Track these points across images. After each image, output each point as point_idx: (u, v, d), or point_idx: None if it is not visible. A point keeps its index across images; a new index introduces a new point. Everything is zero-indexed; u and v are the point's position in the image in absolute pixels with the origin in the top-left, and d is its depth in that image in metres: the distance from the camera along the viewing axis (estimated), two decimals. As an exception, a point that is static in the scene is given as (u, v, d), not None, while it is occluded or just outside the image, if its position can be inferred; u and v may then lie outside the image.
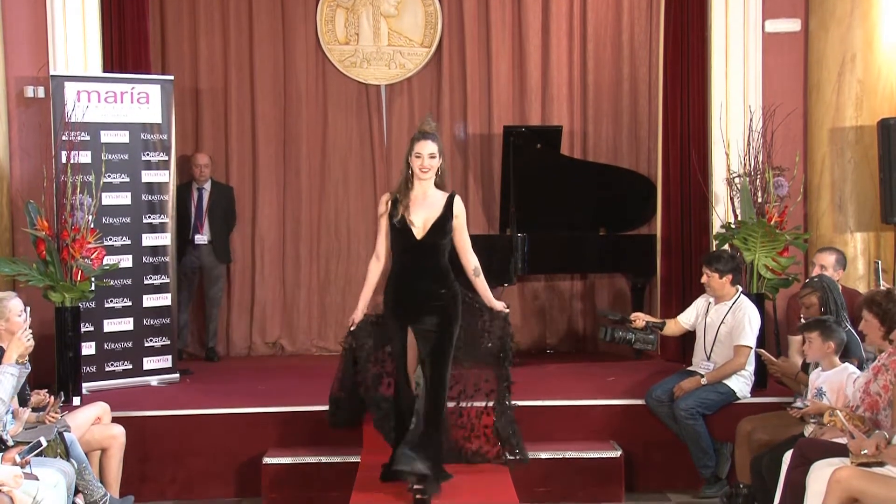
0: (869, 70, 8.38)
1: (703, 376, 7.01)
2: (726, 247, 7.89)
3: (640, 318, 7.38)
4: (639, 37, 10.06)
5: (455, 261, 6.21)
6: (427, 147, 6.03)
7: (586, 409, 7.31)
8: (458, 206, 6.13)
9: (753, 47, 8.70)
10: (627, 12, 10.07)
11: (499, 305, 6.33)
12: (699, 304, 7.40)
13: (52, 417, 5.99)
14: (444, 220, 6.05)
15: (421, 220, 6.03)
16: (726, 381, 7.01)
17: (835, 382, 5.86)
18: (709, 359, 7.10)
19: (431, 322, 6.01)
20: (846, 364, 5.93)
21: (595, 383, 7.94)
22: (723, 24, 8.71)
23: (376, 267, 6.28)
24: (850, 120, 8.43)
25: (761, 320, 7.24)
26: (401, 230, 6.04)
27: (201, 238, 9.38)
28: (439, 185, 6.14)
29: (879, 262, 7.44)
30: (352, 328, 6.37)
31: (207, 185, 9.45)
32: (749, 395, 7.12)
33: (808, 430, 5.88)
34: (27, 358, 5.65)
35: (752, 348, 7.03)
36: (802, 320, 6.75)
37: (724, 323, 7.11)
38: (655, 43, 9.59)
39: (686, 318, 7.42)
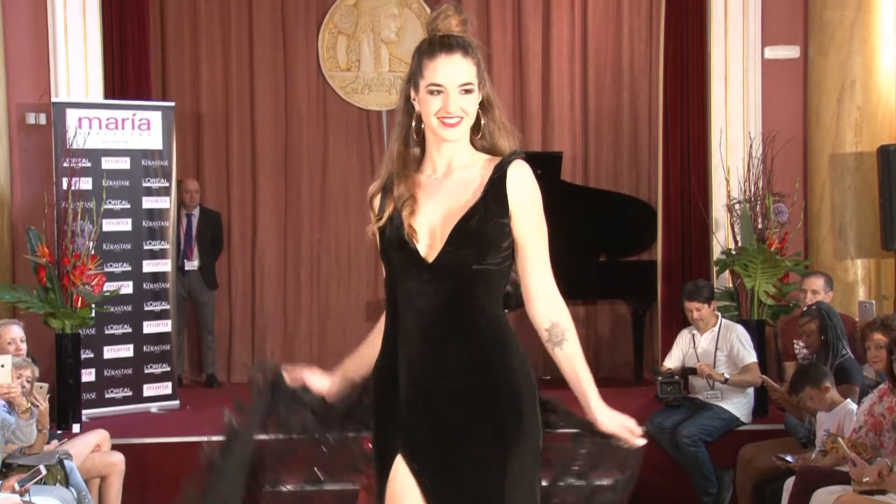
0: (868, 96, 8.39)
1: (727, 379, 6.96)
2: (726, 273, 7.91)
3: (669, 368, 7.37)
4: (639, 62, 10.10)
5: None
6: (454, 68, 2.93)
7: (587, 435, 7.28)
8: (519, 178, 2.97)
9: (753, 73, 8.72)
10: (627, 37, 10.12)
11: (616, 423, 2.97)
12: (682, 341, 7.35)
13: (35, 399, 5.83)
14: (484, 216, 2.93)
15: (436, 219, 2.96)
16: (727, 407, 6.99)
17: (835, 424, 5.85)
18: (713, 387, 7.07)
19: (468, 449, 2.89)
20: (847, 401, 5.90)
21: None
22: (722, 50, 8.73)
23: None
24: (850, 146, 8.44)
25: (762, 347, 7.24)
26: (396, 245, 2.98)
27: (191, 264, 9.28)
28: (487, 146, 3.06)
29: (873, 303, 7.41)
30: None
31: (196, 211, 9.38)
32: (750, 419, 7.11)
33: (811, 457, 5.86)
34: (27, 408, 5.60)
35: (757, 362, 7.04)
36: (802, 347, 6.76)
37: (719, 349, 7.11)
38: (655, 68, 9.61)
39: (674, 363, 7.35)
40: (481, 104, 3.01)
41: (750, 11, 8.69)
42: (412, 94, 3.00)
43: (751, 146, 8.23)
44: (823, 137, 8.55)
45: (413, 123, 3.03)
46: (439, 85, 2.92)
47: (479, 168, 3.01)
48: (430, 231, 2.96)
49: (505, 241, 2.97)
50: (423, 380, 2.92)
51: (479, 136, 3.05)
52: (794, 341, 6.87)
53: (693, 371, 7.04)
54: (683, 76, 8.91)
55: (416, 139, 3.04)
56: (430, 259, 2.93)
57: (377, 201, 3.05)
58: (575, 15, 10.13)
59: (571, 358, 3.01)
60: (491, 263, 2.95)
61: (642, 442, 2.96)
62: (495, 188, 2.95)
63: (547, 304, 3.06)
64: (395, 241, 2.98)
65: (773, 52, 8.79)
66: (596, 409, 2.96)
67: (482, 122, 3.03)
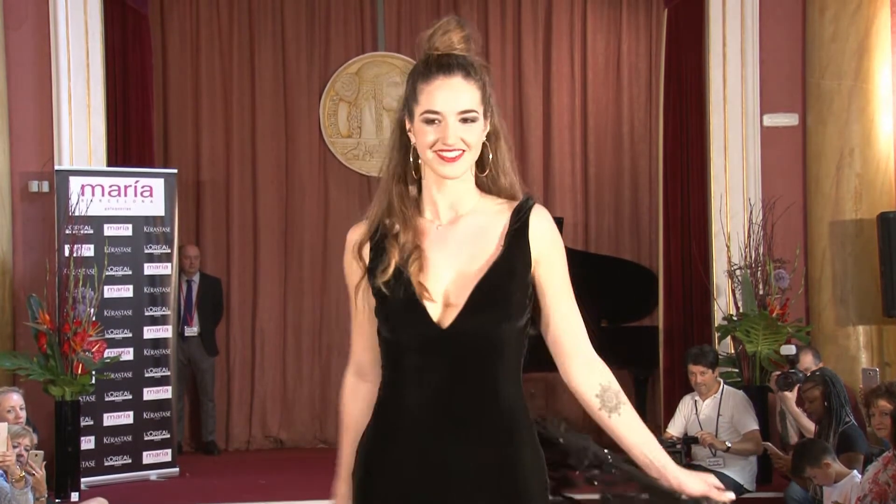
0: (867, 164, 8.42)
1: (729, 447, 6.94)
2: (728, 339, 7.89)
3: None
4: (639, 129, 10.17)
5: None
6: (454, 93, 2.50)
7: (589, 504, 7.23)
8: (542, 227, 2.58)
9: (752, 141, 8.76)
10: (627, 105, 10.20)
11: (702, 484, 2.51)
12: (685, 407, 7.34)
13: (30, 468, 5.82)
14: (509, 273, 2.52)
15: (450, 277, 2.52)
16: (730, 474, 6.94)
17: (842, 495, 5.80)
18: (714, 455, 7.04)
19: None
20: (853, 472, 5.86)
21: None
22: (721, 117, 8.77)
23: (360, 395, 2.83)
24: (850, 213, 8.45)
25: (764, 413, 7.22)
26: (403, 308, 2.52)
27: (191, 331, 9.26)
28: (492, 187, 2.66)
29: (877, 370, 7.41)
30: None
31: (196, 277, 9.39)
32: (754, 487, 7.06)
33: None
34: (21, 476, 5.56)
35: (759, 429, 7.04)
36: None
37: (721, 415, 7.10)
38: (655, 135, 9.67)
39: (677, 429, 7.33)
40: (488, 136, 2.58)
41: (748, 80, 8.75)
42: (407, 125, 2.58)
43: (751, 212, 8.26)
44: (823, 204, 8.57)
45: (411, 159, 2.59)
46: (436, 112, 2.49)
47: (492, 214, 2.58)
48: (444, 291, 2.51)
49: (529, 303, 2.56)
50: (438, 477, 2.48)
51: (485, 175, 2.61)
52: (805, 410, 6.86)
53: (695, 440, 7.02)
54: (683, 143, 8.97)
55: (415, 177, 2.61)
56: (445, 325, 2.49)
57: (366, 251, 2.61)
58: (575, 83, 10.22)
59: (632, 423, 2.57)
60: (514, 330, 2.53)
61: (731, 497, 2.52)
62: (517, 239, 2.53)
63: (588, 367, 2.63)
64: (403, 303, 2.50)
65: (772, 120, 8.83)
66: (677, 472, 2.52)
67: (489, 157, 2.60)
